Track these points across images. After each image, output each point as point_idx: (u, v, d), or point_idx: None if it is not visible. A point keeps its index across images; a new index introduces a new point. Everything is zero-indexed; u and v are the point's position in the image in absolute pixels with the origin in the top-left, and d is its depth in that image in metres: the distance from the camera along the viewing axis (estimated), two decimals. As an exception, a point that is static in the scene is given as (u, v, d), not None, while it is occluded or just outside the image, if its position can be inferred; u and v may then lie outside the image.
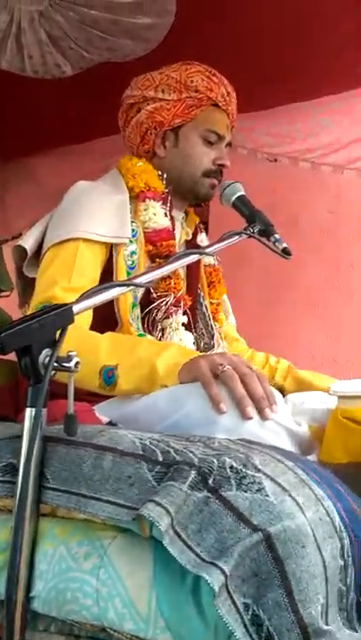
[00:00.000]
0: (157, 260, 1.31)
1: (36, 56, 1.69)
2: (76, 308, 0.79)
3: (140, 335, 1.26)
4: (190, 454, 0.72)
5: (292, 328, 2.44)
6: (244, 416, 0.91)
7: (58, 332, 0.76)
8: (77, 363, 0.73)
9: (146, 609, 0.68)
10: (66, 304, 0.78)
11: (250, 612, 0.62)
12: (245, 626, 0.62)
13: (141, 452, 0.74)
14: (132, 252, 1.30)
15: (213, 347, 1.48)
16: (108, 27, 1.52)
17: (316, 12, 1.78)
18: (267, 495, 0.67)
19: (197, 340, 1.43)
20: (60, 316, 0.76)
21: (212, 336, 1.49)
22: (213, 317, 1.52)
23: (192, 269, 1.48)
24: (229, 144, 1.46)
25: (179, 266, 1.04)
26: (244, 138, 2.28)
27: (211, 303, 1.54)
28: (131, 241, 1.30)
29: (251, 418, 0.91)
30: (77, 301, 0.81)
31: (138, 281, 0.94)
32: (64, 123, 2.30)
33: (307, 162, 2.16)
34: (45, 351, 0.73)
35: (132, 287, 0.94)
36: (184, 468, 0.69)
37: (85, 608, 0.72)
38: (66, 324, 0.76)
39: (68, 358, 0.73)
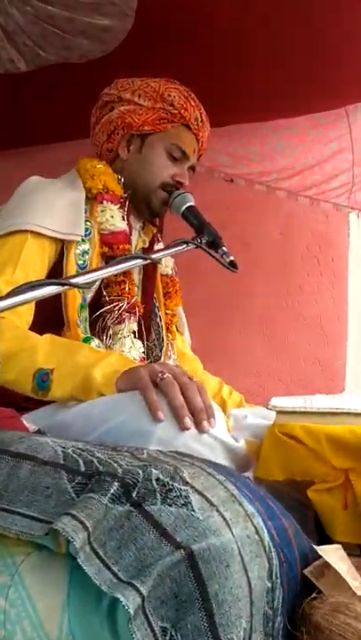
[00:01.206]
0: None
1: (-10, 50, 1.64)
2: (2, 303, 0.73)
3: (86, 338, 1.21)
4: (115, 465, 0.67)
5: (239, 346, 2.44)
6: (181, 426, 0.88)
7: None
8: (-2, 361, 0.68)
9: (56, 632, 0.62)
10: (-10, 298, 0.72)
11: (167, 638, 0.58)
12: (162, 652, 0.57)
13: (62, 462, 0.69)
14: (85, 252, 1.26)
15: (162, 358, 1.45)
16: (63, 24, 1.49)
17: (280, 39, 1.81)
18: (193, 510, 0.63)
19: (148, 350, 1.40)
20: (-18, 310, 0.70)
21: (162, 348, 1.46)
22: (167, 328, 1.50)
23: (148, 277, 1.45)
24: (193, 168, 1.46)
25: (121, 269, 1.00)
26: (203, 156, 2.30)
27: (166, 314, 1.51)
28: (83, 240, 1.26)
29: (188, 428, 0.88)
30: (5, 297, 0.76)
31: (75, 281, 0.89)
32: (26, 124, 2.24)
33: (262, 185, 2.19)
34: None
35: (68, 287, 0.89)
36: (106, 480, 0.64)
37: (-10, 632, 0.65)
38: (-11, 319, 0.71)
39: (-11, 356, 0.68)
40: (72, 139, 2.16)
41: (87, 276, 0.93)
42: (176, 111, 1.37)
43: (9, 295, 0.77)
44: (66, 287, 0.88)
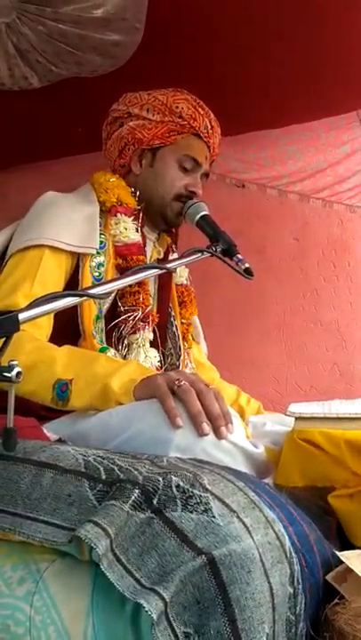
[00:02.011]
0: None
1: (3, 68, 1.68)
2: (22, 316, 0.75)
3: (102, 349, 1.22)
4: (135, 472, 0.68)
5: (257, 353, 2.45)
6: (200, 432, 0.88)
7: (1, 341, 0.72)
8: (19, 373, 0.69)
9: (81, 638, 0.63)
10: (10, 311, 0.74)
11: (191, 643, 0.58)
12: (185, 658, 0.57)
13: (84, 470, 0.70)
14: (100, 264, 1.28)
15: (179, 367, 1.45)
16: (75, 41, 1.52)
17: (288, 44, 1.82)
18: (213, 516, 0.63)
19: (165, 359, 1.41)
20: (2, 323, 0.72)
21: (180, 356, 1.47)
22: (183, 337, 1.50)
23: (163, 287, 1.46)
24: (206, 175, 1.47)
25: (137, 279, 1.01)
26: (214, 163, 2.32)
27: (181, 323, 1.52)
28: (98, 252, 1.28)
29: (206, 434, 0.88)
30: (25, 309, 0.77)
31: (93, 292, 0.90)
32: (34, 139, 2.29)
33: (274, 189, 2.20)
34: (-15, 360, 0.69)
35: (85, 297, 0.90)
36: (127, 487, 0.65)
37: (17, 637, 0.66)
38: (10, 331, 0.72)
39: (10, 368, 0.69)
40: (86, 152, 2.19)
41: (104, 287, 0.95)
42: (185, 122, 1.38)
43: (29, 307, 0.79)
44: (84, 298, 0.89)
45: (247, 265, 1.27)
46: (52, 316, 1.21)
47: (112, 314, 1.27)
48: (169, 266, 1.13)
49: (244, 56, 1.84)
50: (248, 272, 1.27)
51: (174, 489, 0.66)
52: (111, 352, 1.23)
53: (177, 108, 1.38)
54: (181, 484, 0.66)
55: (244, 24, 1.71)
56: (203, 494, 0.66)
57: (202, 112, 1.41)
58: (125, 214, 1.34)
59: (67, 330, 1.21)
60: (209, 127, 1.41)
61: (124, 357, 1.25)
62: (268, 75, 1.91)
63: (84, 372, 1.04)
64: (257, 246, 2.37)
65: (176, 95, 1.40)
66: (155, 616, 0.57)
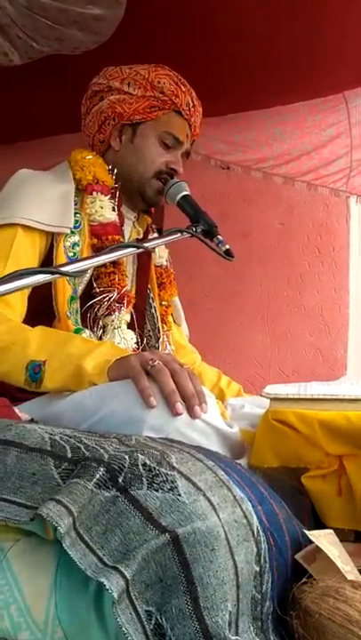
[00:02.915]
0: None
1: (-17, 43, 1.63)
2: (-12, 292, 0.73)
3: (77, 330, 1.21)
4: (101, 450, 0.67)
5: (241, 337, 2.44)
6: (173, 411, 0.87)
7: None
8: (-17, 349, 0.68)
9: (43, 617, 0.63)
10: (-25, 286, 0.72)
11: (152, 622, 0.58)
12: (147, 636, 0.57)
13: (49, 448, 0.69)
14: (75, 244, 1.26)
15: (158, 349, 1.44)
16: (56, 15, 1.48)
17: (275, 25, 1.79)
18: (179, 495, 0.63)
19: (142, 341, 1.39)
20: (-32, 298, 0.70)
21: (158, 338, 1.45)
22: (162, 319, 1.49)
23: (142, 268, 1.44)
24: (187, 154, 1.44)
25: (111, 258, 0.99)
26: (198, 144, 2.29)
27: (160, 304, 1.50)
28: (73, 232, 1.25)
29: (180, 414, 0.88)
30: (-9, 285, 0.76)
31: (66, 269, 0.88)
32: (13, 118, 2.24)
33: (259, 171, 2.17)
34: None
35: (57, 275, 0.88)
36: (92, 465, 0.64)
37: (-21, 617, 0.66)
38: (-25, 307, 0.71)
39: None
40: (66, 132, 2.15)
41: (77, 265, 0.93)
42: (167, 98, 1.35)
43: (-3, 283, 0.77)
44: (56, 276, 0.87)
45: (227, 246, 1.26)
46: (25, 296, 1.19)
47: (87, 295, 1.26)
48: (147, 245, 1.11)
49: (229, 35, 1.80)
50: (228, 254, 1.26)
51: (140, 467, 0.65)
52: (86, 333, 1.21)
53: (158, 83, 1.35)
54: (148, 462, 0.66)
55: (230, 1, 1.67)
56: (169, 472, 0.65)
57: (184, 89, 1.38)
58: (102, 192, 1.31)
59: (41, 311, 1.19)
60: (191, 105, 1.39)
61: (100, 339, 1.24)
62: (254, 55, 1.88)
63: (57, 353, 1.02)
64: (242, 230, 2.36)
65: (158, 70, 1.37)
66: (115, 594, 0.56)
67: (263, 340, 2.41)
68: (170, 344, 1.51)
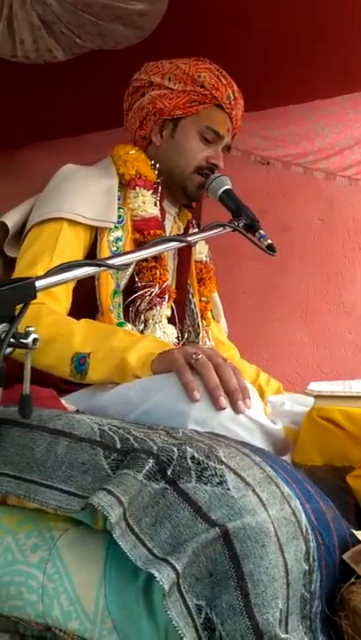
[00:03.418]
0: None
1: (28, 41, 1.65)
2: (39, 283, 0.74)
3: (119, 324, 1.21)
4: (150, 442, 0.67)
5: (279, 334, 2.42)
6: (217, 406, 0.87)
7: (19, 308, 0.71)
8: (35, 339, 0.68)
9: (93, 607, 0.63)
10: (27, 278, 0.73)
11: (202, 616, 0.57)
12: (197, 630, 0.57)
13: (99, 439, 0.69)
14: (118, 239, 1.26)
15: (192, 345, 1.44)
16: (100, 11, 1.48)
17: (314, 18, 1.76)
18: (228, 489, 0.62)
19: (182, 336, 1.39)
20: (19, 290, 0.71)
21: (198, 334, 1.45)
22: (201, 315, 1.48)
23: (182, 263, 1.44)
24: (228, 148, 1.43)
25: (156, 252, 1.00)
26: (237, 139, 2.27)
27: (200, 300, 1.50)
28: (116, 227, 1.26)
29: (223, 408, 0.87)
30: (42, 277, 0.76)
31: (112, 262, 0.89)
32: (56, 115, 2.27)
33: (299, 166, 2.14)
34: (2, 326, 0.68)
35: (104, 268, 0.89)
36: (141, 456, 0.65)
37: (30, 604, 0.67)
38: (27, 299, 0.71)
39: (26, 334, 0.68)
40: (110, 127, 2.17)
41: (123, 258, 0.93)
42: (207, 92, 1.34)
43: (46, 275, 0.78)
44: (102, 268, 0.88)
45: (270, 241, 1.25)
46: (70, 290, 1.20)
47: (129, 289, 1.26)
48: (190, 239, 1.10)
49: (270, 29, 1.78)
50: (271, 248, 1.25)
51: (189, 460, 0.65)
52: (128, 327, 1.22)
53: (199, 77, 1.34)
54: (196, 455, 0.65)
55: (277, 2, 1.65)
56: (218, 466, 0.64)
57: (224, 82, 1.36)
58: (144, 187, 1.31)
59: (85, 305, 1.20)
60: (232, 98, 1.37)
61: (141, 333, 1.24)
62: (295, 48, 1.85)
63: (101, 346, 1.03)
64: (281, 226, 2.33)
65: (198, 64, 1.36)
66: (166, 587, 0.56)
67: (302, 338, 2.38)
68: (209, 339, 1.51)
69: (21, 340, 0.69)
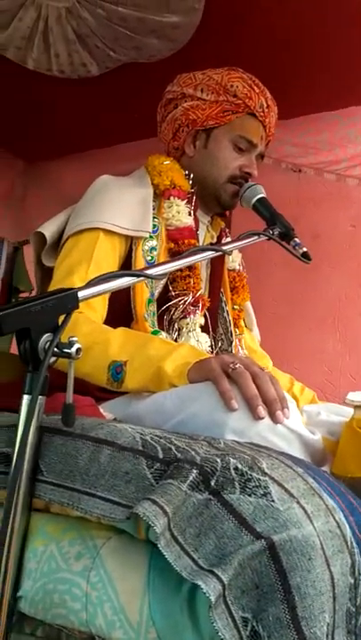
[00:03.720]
0: None
1: (63, 55, 1.69)
2: (81, 294, 0.75)
3: (154, 332, 1.22)
4: (193, 452, 0.67)
5: (310, 342, 2.39)
6: (255, 415, 0.86)
7: (61, 318, 0.72)
8: (79, 349, 0.69)
9: (137, 617, 0.63)
10: (70, 288, 0.74)
11: (248, 628, 0.57)
12: (243, 642, 0.56)
13: (141, 448, 0.69)
14: (152, 248, 1.28)
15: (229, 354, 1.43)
16: (134, 25, 1.50)
17: (347, 26, 1.75)
18: (273, 501, 0.62)
19: (215, 344, 1.39)
20: (63, 300, 0.72)
21: (231, 342, 1.45)
22: (235, 323, 1.48)
23: (215, 272, 1.45)
24: (262, 156, 1.43)
25: (193, 261, 1.00)
26: (269, 147, 2.27)
27: (233, 309, 1.50)
28: (151, 236, 1.27)
29: (262, 418, 0.86)
30: (84, 287, 0.78)
31: (149, 272, 0.90)
32: (88, 127, 2.31)
33: (332, 173, 2.12)
34: (46, 336, 0.70)
35: (142, 278, 0.90)
36: (185, 467, 0.65)
37: (73, 612, 0.67)
38: (69, 309, 0.73)
39: (70, 344, 0.69)
40: (140, 138, 2.19)
41: (160, 268, 0.94)
42: (240, 101, 1.34)
43: (87, 286, 0.79)
44: (141, 279, 0.89)
45: (305, 249, 1.24)
46: (106, 299, 1.22)
47: (163, 298, 1.27)
48: (225, 248, 1.11)
49: (302, 37, 1.78)
50: (306, 256, 1.24)
51: (232, 471, 0.64)
52: (163, 335, 1.22)
53: (232, 86, 1.35)
54: (240, 466, 0.65)
55: (303, 5, 1.64)
56: (261, 478, 0.64)
57: (257, 90, 1.37)
58: (179, 197, 1.32)
59: (120, 313, 1.21)
60: (265, 106, 1.37)
61: (175, 341, 1.25)
62: (326, 55, 1.84)
63: (138, 354, 1.04)
64: (312, 232, 2.31)
65: (231, 74, 1.37)
66: (213, 598, 0.56)
67: (334, 346, 2.35)
68: (242, 348, 1.50)
69: (65, 350, 0.70)
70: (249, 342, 1.57)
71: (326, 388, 2.23)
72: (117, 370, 1.04)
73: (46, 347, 0.69)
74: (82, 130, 2.34)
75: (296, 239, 1.25)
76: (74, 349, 0.69)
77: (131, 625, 0.63)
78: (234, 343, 1.47)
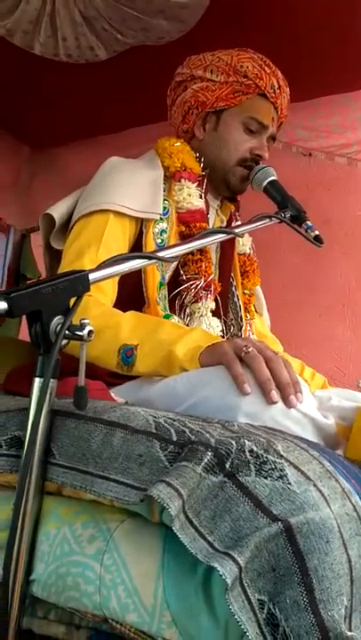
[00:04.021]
0: None
1: (70, 38, 1.66)
2: (92, 276, 0.74)
3: (166, 316, 1.21)
4: (207, 435, 0.66)
5: (319, 329, 2.37)
6: (269, 399, 0.85)
7: (72, 300, 0.71)
8: (91, 331, 0.68)
9: (151, 600, 0.63)
10: (81, 270, 0.73)
11: (265, 611, 0.56)
12: (260, 625, 0.56)
13: (154, 431, 0.68)
14: (163, 231, 1.26)
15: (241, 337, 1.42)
16: (143, 5, 1.47)
17: (353, 8, 1.71)
18: (289, 483, 0.61)
19: (226, 329, 1.38)
20: (74, 282, 0.71)
21: (241, 327, 1.44)
22: (245, 308, 1.47)
23: (225, 256, 1.43)
24: (273, 138, 1.41)
25: (205, 244, 0.99)
26: (279, 131, 2.23)
27: (243, 293, 1.49)
28: (162, 219, 1.26)
29: (275, 402, 0.85)
30: (95, 269, 0.76)
31: (161, 255, 0.89)
32: (95, 113, 2.28)
33: (343, 157, 2.09)
34: (57, 318, 0.69)
35: (154, 261, 0.88)
36: (199, 449, 0.64)
37: (86, 595, 0.67)
38: (80, 291, 0.71)
39: (81, 326, 0.68)
40: (149, 122, 2.16)
41: (172, 250, 0.93)
42: (250, 82, 1.32)
43: (98, 268, 0.78)
44: (153, 261, 0.87)
45: (317, 232, 1.23)
46: (116, 282, 1.20)
47: (174, 282, 1.26)
48: (237, 231, 1.09)
49: (314, 18, 1.74)
50: (318, 239, 1.23)
51: (247, 453, 0.63)
52: (175, 319, 1.21)
53: (241, 67, 1.32)
54: (255, 448, 0.64)
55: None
56: (277, 460, 0.63)
57: (268, 71, 1.34)
58: (189, 180, 1.30)
59: (131, 297, 1.20)
60: (276, 86, 1.35)
61: (187, 326, 1.24)
62: (338, 37, 1.80)
63: (148, 338, 1.03)
64: (322, 218, 2.27)
65: (241, 54, 1.34)
66: (229, 581, 0.55)
67: (343, 333, 2.32)
68: (252, 333, 1.49)
69: (76, 333, 0.69)
70: (259, 327, 1.56)
71: (336, 375, 2.21)
72: (128, 353, 1.03)
73: (57, 329, 0.68)
74: (89, 115, 2.31)
75: (308, 222, 1.24)
76: (85, 332, 0.68)
77: (145, 608, 0.63)
78: (244, 327, 1.46)
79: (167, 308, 1.22)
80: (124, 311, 1.11)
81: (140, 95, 2.06)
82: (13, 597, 0.69)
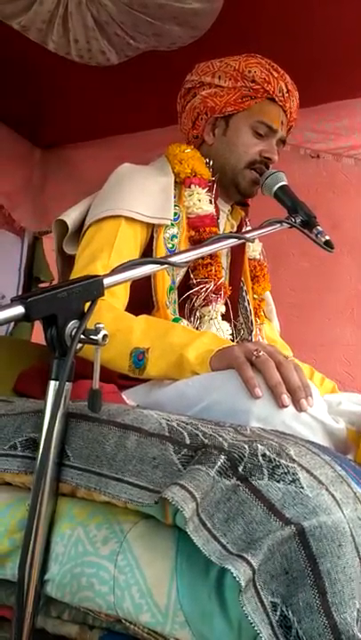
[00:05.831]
0: None
1: (82, 41, 1.67)
2: (106, 281, 0.75)
3: (175, 319, 1.22)
4: (220, 439, 0.67)
5: (328, 333, 2.37)
6: (279, 403, 0.86)
7: (87, 305, 0.72)
8: (105, 335, 0.69)
9: (165, 601, 0.63)
10: (96, 275, 0.74)
11: (278, 613, 0.57)
12: (273, 627, 0.56)
13: (168, 434, 0.69)
14: (173, 236, 1.28)
15: (252, 341, 1.43)
16: (155, 11, 1.48)
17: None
18: (301, 487, 0.61)
19: (236, 333, 1.39)
20: (88, 287, 0.72)
21: (251, 331, 1.45)
22: (255, 313, 1.48)
23: (236, 260, 1.44)
24: (283, 142, 1.42)
25: (216, 249, 1.00)
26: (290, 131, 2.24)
27: (253, 298, 1.49)
28: (172, 224, 1.27)
29: (286, 406, 0.86)
30: (108, 274, 0.78)
31: (173, 260, 0.90)
32: (107, 114, 2.29)
33: (350, 158, 2.10)
34: (72, 322, 0.70)
35: (166, 266, 0.90)
36: (213, 452, 0.65)
37: (100, 596, 0.68)
38: (95, 296, 0.73)
39: (96, 331, 0.69)
40: (160, 125, 2.18)
41: (184, 255, 0.94)
42: (258, 86, 1.33)
43: (112, 273, 0.79)
44: (165, 266, 0.89)
45: (328, 237, 1.23)
46: (128, 286, 1.22)
47: (184, 286, 1.27)
48: (248, 236, 1.10)
49: (324, 25, 1.75)
50: (328, 244, 1.23)
51: (260, 457, 0.64)
52: (184, 323, 1.22)
53: (249, 72, 1.34)
54: (268, 453, 0.65)
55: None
56: (290, 464, 0.64)
57: (276, 75, 1.35)
58: (199, 185, 1.32)
59: (141, 301, 1.21)
60: (285, 90, 1.36)
61: (197, 329, 1.25)
62: (347, 44, 1.81)
63: (160, 342, 1.04)
64: (331, 221, 2.27)
65: (248, 60, 1.35)
66: (243, 583, 0.56)
67: (352, 337, 2.32)
68: (262, 337, 1.50)
69: (91, 337, 0.70)
70: (269, 332, 1.57)
71: (344, 380, 2.21)
72: (139, 357, 1.04)
73: (73, 333, 0.69)
74: (101, 117, 2.33)
75: (318, 227, 1.24)
76: (100, 336, 0.69)
77: (158, 608, 0.64)
78: (254, 332, 1.47)
79: (177, 311, 1.23)
80: (135, 315, 1.13)
81: (152, 98, 2.08)
82: (28, 597, 0.70)
